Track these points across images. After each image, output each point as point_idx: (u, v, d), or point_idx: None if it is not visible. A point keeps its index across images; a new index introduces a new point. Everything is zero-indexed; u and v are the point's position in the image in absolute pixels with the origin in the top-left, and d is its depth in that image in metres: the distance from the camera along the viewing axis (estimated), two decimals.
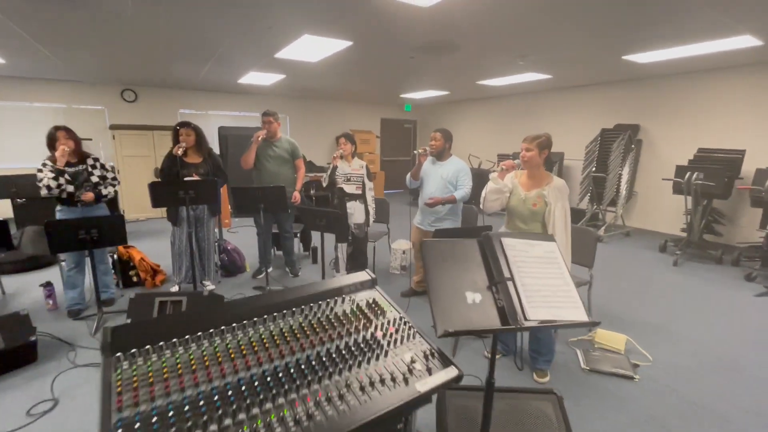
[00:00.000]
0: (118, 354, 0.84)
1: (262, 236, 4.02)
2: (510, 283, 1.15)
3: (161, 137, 6.88)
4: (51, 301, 3.34)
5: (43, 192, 2.91)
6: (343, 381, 0.88)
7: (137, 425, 0.70)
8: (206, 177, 3.47)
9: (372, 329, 1.07)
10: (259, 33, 3.80)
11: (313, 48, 4.30)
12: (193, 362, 0.85)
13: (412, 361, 0.97)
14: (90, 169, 3.10)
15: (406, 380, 0.91)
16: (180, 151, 3.27)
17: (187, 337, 0.91)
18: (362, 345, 1.00)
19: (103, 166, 3.20)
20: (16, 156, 6.45)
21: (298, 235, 4.78)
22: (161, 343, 0.88)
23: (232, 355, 0.89)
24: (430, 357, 1.00)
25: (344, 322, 1.08)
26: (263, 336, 0.96)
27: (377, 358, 0.97)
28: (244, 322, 0.99)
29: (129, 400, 0.75)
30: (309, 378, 0.86)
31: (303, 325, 1.03)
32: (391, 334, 1.06)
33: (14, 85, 6.35)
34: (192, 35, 3.93)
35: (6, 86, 6.30)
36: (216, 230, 4.30)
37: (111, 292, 3.49)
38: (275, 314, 1.04)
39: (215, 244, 4.14)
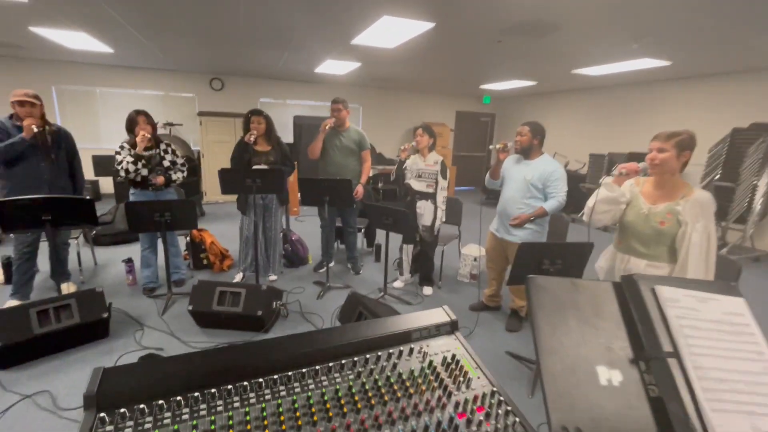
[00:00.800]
0: (102, 414, 0.61)
1: (325, 229, 3.87)
2: (673, 362, 0.73)
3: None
4: (131, 277, 3.53)
5: (121, 174, 3.02)
6: None
7: None
8: (275, 165, 3.39)
9: (451, 410, 0.73)
10: (337, 14, 3.59)
11: (391, 32, 4.00)
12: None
13: None
14: (162, 153, 3.16)
15: None
16: (252, 139, 3.22)
17: (195, 395, 0.66)
18: (442, 427, 0.68)
19: (174, 152, 3.26)
20: (120, 138, 7.15)
21: (362, 230, 4.58)
22: (161, 402, 0.64)
23: (270, 419, 0.63)
24: None
25: (410, 387, 0.76)
26: (297, 404, 0.68)
27: None
28: (274, 377, 0.72)
29: None
30: None
31: (353, 388, 0.73)
32: (479, 423, 0.71)
33: (121, 73, 7.02)
34: (268, 19, 3.85)
35: (114, 74, 6.99)
36: (283, 219, 4.28)
37: (182, 273, 3.59)
38: (319, 368, 0.76)
39: (281, 233, 4.09)
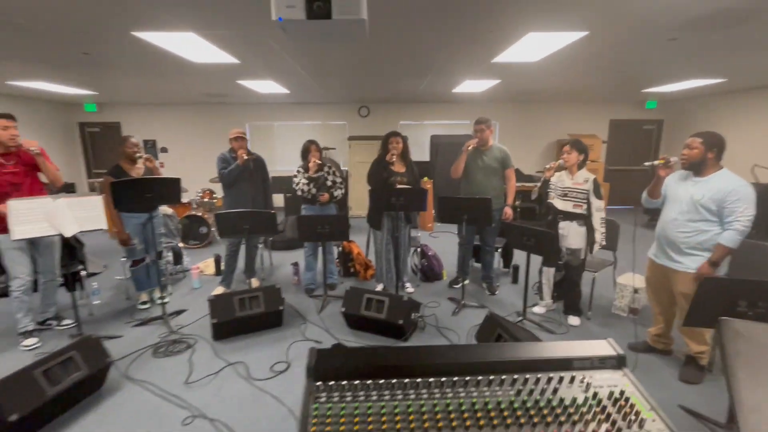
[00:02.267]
0: (318, 383, 0.81)
1: (462, 247, 3.92)
2: None
3: None
4: (296, 278, 4.23)
5: (298, 193, 3.69)
6: None
7: None
8: (410, 185, 3.62)
9: None
10: (479, 36, 3.67)
11: (536, 46, 3.88)
12: (384, 418, 0.74)
13: None
14: (326, 175, 3.73)
15: None
16: (392, 158, 3.52)
17: (390, 381, 0.81)
18: None
19: (334, 173, 3.80)
20: (289, 161, 8.63)
21: (499, 249, 4.47)
22: (357, 382, 0.81)
23: (424, 420, 0.74)
24: None
25: (574, 416, 0.77)
26: (463, 406, 0.77)
27: None
28: (449, 379, 0.82)
29: None
30: None
31: (514, 403, 0.78)
32: None
33: (291, 108, 8.53)
34: (416, 51, 4.19)
35: (287, 110, 8.53)
36: (418, 234, 4.51)
37: (334, 278, 4.12)
38: (479, 378, 0.83)
39: (418, 248, 4.32)
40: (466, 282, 4.01)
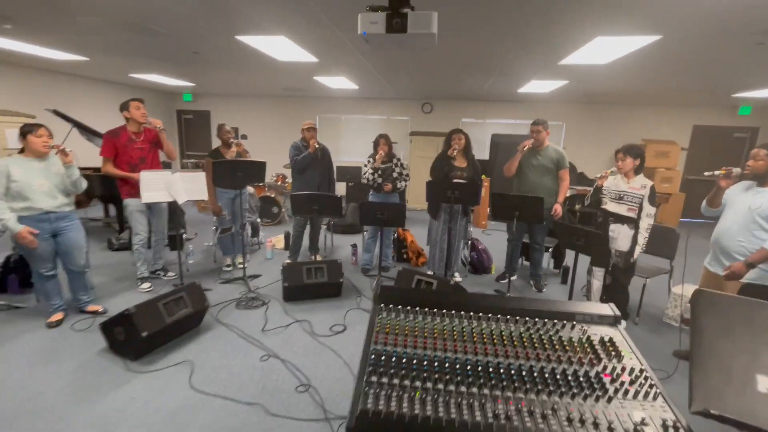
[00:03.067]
0: (382, 305, 1.16)
1: (512, 243, 4.08)
2: None
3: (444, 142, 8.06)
4: (354, 258, 4.67)
5: (363, 180, 4.09)
6: (550, 403, 0.86)
7: (382, 357, 0.97)
8: (469, 180, 3.85)
9: (599, 368, 0.96)
10: (546, 39, 3.77)
11: (604, 49, 3.88)
12: (433, 331, 1.06)
13: (643, 423, 0.82)
14: (393, 167, 4.09)
15: None
16: (454, 153, 3.77)
17: (433, 310, 1.13)
18: (581, 379, 0.93)
19: (401, 165, 4.14)
20: (352, 152, 9.16)
21: (550, 250, 4.53)
22: (410, 307, 1.14)
23: (455, 336, 1.05)
24: (671, 430, 0.81)
25: (567, 348, 1.02)
26: (484, 331, 1.07)
27: (596, 399, 0.87)
28: (476, 314, 1.12)
29: (382, 339, 1.03)
30: (516, 385, 0.90)
31: (523, 335, 1.06)
32: (621, 383, 0.92)
33: (359, 103, 9.02)
34: (483, 53, 4.37)
35: (354, 104, 9.04)
36: (470, 229, 4.71)
37: (389, 261, 4.49)
38: (500, 316, 1.12)
39: (468, 241, 4.54)
40: (513, 278, 4.16)
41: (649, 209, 2.99)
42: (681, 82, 5.54)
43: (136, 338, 2.46)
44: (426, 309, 1.15)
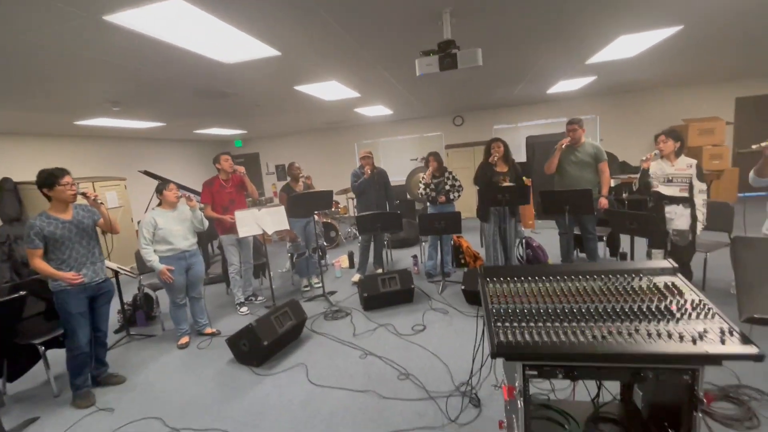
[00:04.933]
0: (486, 279, 1.54)
1: (564, 236, 4.30)
2: None
3: (479, 151, 8.38)
4: (416, 267, 5.06)
5: (418, 195, 4.52)
6: (633, 327, 1.20)
7: (501, 311, 1.35)
8: (512, 183, 4.15)
9: (666, 302, 1.29)
10: (570, 46, 4.09)
11: (629, 45, 4.14)
12: (529, 291, 1.44)
13: (705, 332, 1.13)
14: (445, 180, 4.50)
15: (693, 341, 1.11)
16: (494, 160, 4.11)
17: (528, 278, 1.51)
18: (654, 310, 1.26)
19: (453, 177, 4.54)
20: (391, 172, 9.66)
21: (604, 238, 4.69)
22: (509, 278, 1.52)
23: (549, 293, 1.41)
24: (726, 333, 1.12)
25: (639, 293, 1.36)
26: (571, 288, 1.42)
27: (667, 321, 1.20)
28: (559, 276, 1.49)
29: (495, 301, 1.41)
30: (603, 318, 1.25)
31: (602, 287, 1.41)
32: (685, 309, 1.24)
33: (393, 125, 9.59)
34: (512, 64, 4.74)
35: (388, 127, 9.61)
36: (521, 229, 4.97)
37: (450, 267, 4.83)
38: (581, 276, 1.47)
39: (522, 240, 4.80)
40: None
41: (700, 186, 3.17)
42: (714, 62, 5.60)
43: (259, 347, 2.96)
44: (522, 278, 1.52)
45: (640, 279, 1.43)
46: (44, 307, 3.06)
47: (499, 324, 1.29)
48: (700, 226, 3.19)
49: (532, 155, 7.94)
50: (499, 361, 1.50)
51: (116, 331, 3.97)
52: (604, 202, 3.92)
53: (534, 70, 5.11)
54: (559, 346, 1.16)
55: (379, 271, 4.90)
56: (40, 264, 2.51)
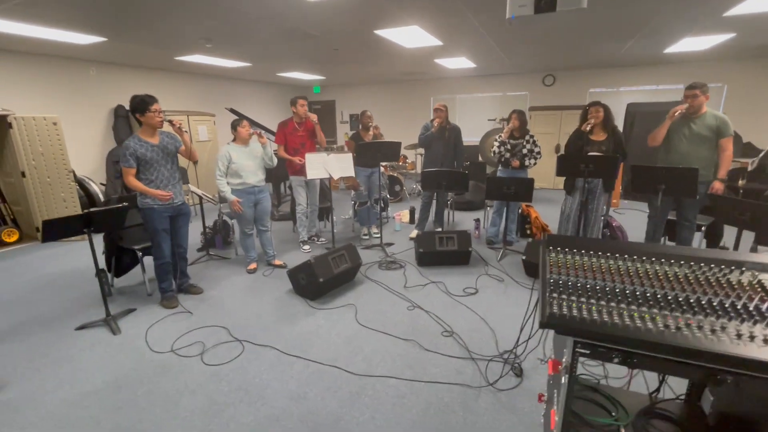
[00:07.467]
0: (549, 248, 1.42)
1: (653, 220, 3.80)
2: None
3: (568, 116, 7.57)
4: (477, 232, 4.91)
5: (490, 154, 4.27)
6: (719, 324, 1.02)
7: (560, 282, 1.24)
8: (608, 154, 3.70)
9: None
10: None
11: None
12: (594, 267, 1.30)
13: None
14: (524, 143, 4.17)
15: None
16: (588, 128, 3.67)
17: (597, 252, 1.36)
18: (752, 310, 1.06)
19: (534, 143, 4.19)
20: (467, 132, 9.21)
21: (703, 228, 4.07)
22: (575, 249, 1.38)
23: (619, 272, 1.26)
24: None
25: (736, 287, 1.15)
26: (648, 270, 1.25)
27: (766, 326, 1.00)
28: (636, 256, 1.31)
29: (555, 271, 1.30)
30: (685, 308, 1.08)
31: (688, 275, 1.21)
32: None
33: (473, 81, 8.98)
34: (626, 13, 4.04)
35: (468, 83, 9.03)
36: (604, 207, 4.50)
37: (513, 236, 4.61)
38: (663, 259, 1.29)
39: (601, 218, 4.37)
40: None
41: None
42: None
43: (315, 282, 3.16)
44: (591, 252, 1.37)
45: (742, 272, 1.21)
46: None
47: (555, 295, 1.19)
48: None
49: (630, 126, 7.00)
50: (550, 335, 1.42)
51: (198, 250, 4.49)
52: (719, 185, 3.32)
53: (654, 21, 4.32)
54: (620, 329, 1.04)
55: (439, 229, 4.84)
56: (133, 181, 2.86)
